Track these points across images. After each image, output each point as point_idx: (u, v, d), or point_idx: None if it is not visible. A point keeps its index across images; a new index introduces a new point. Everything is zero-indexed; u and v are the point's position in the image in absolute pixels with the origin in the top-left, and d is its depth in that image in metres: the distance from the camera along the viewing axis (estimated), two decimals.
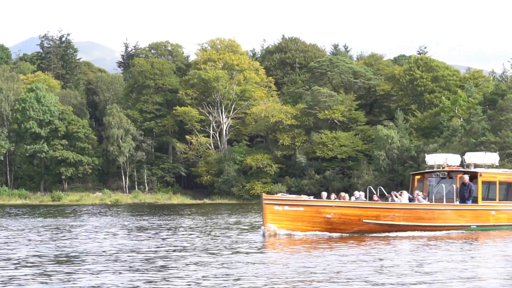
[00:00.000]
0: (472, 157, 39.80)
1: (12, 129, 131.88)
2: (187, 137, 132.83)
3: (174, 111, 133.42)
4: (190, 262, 22.65)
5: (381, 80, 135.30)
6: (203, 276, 19.13)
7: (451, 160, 39.59)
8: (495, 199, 38.63)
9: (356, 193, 37.28)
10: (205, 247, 28.24)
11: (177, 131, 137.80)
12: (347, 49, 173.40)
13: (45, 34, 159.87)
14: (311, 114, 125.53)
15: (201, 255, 24.80)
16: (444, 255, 25.31)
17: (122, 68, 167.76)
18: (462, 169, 38.68)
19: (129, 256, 24.68)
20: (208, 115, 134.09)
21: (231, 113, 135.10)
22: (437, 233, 35.04)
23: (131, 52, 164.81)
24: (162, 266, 21.49)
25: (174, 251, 26.68)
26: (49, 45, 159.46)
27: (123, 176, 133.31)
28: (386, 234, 33.99)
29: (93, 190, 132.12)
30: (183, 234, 36.00)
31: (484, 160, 39.64)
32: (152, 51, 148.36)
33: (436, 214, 36.13)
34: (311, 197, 35.42)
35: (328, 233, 33.34)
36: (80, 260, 23.31)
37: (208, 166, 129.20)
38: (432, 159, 40.20)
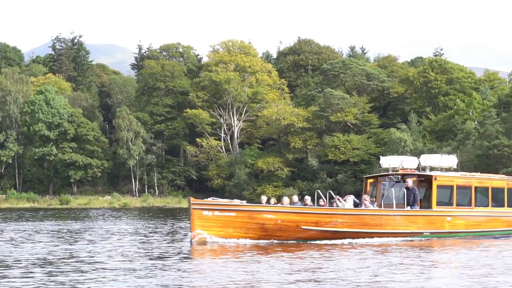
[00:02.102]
0: (427, 160, 37.41)
1: (21, 132, 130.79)
2: (198, 140, 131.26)
3: (184, 114, 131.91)
4: (104, 268, 21.84)
5: (395, 83, 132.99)
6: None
7: (407, 163, 37.15)
8: (452, 204, 36.24)
9: (294, 197, 34.53)
10: (126, 253, 27.18)
11: (188, 134, 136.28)
12: (364, 51, 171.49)
13: (57, 36, 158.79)
14: (323, 117, 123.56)
15: (118, 261, 23.92)
16: (383, 265, 23.28)
17: (136, 70, 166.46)
18: (417, 173, 36.31)
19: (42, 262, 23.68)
20: (219, 117, 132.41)
21: (242, 116, 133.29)
22: (385, 241, 32.70)
23: (144, 54, 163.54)
24: (80, 271, 20.73)
25: (92, 256, 25.74)
26: (61, 47, 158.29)
27: (133, 180, 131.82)
28: (328, 241, 31.64)
29: (103, 194, 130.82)
30: (120, 239, 34.64)
31: (440, 163, 37.27)
32: (163, 53, 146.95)
33: (384, 220, 33.65)
34: (244, 202, 32.83)
35: (263, 241, 31.09)
36: None
37: (219, 170, 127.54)
38: (387, 161, 37.80)
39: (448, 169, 37.53)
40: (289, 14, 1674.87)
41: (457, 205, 36.48)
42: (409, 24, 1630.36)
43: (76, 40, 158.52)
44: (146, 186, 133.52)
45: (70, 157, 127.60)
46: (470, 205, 37.15)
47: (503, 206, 38.64)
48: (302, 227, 31.79)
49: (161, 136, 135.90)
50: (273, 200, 34.64)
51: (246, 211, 31.31)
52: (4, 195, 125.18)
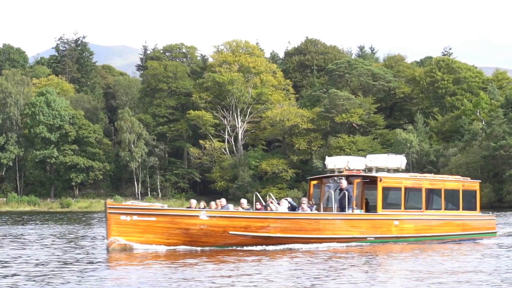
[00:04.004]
0: (373, 160, 34.68)
1: (22, 134, 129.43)
2: (201, 142, 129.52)
3: (187, 115, 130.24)
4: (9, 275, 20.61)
5: (401, 83, 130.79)
6: None
7: (353, 163, 34.40)
8: (399, 208, 33.83)
9: (223, 201, 32.08)
10: (43, 259, 25.68)
11: (191, 136, 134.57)
12: (374, 51, 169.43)
13: (61, 37, 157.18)
14: (328, 118, 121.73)
15: (27, 268, 22.65)
16: (312, 273, 21.41)
17: (141, 71, 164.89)
18: (362, 174, 33.77)
19: None
20: (223, 119, 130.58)
21: (247, 117, 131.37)
22: (323, 247, 30.28)
23: (150, 54, 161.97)
24: None
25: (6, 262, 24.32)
26: (64, 48, 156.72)
27: (135, 182, 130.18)
28: (259, 248, 29.23)
29: (105, 197, 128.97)
30: (48, 244, 32.92)
31: (386, 163, 34.61)
32: (167, 54, 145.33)
33: (322, 225, 31.19)
34: (165, 206, 30.39)
35: (187, 247, 28.86)
36: None
37: (222, 172, 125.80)
38: (332, 162, 35.10)
39: (396, 170, 34.96)
40: (299, 15, 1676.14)
41: (406, 208, 34.12)
42: (420, 23, 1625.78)
43: (79, 41, 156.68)
44: (149, 189, 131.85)
45: (71, 159, 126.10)
46: (420, 208, 34.72)
47: (457, 209, 36.28)
48: (230, 232, 29.43)
49: (164, 138, 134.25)
50: (202, 204, 32.44)
51: (168, 215, 29.01)
52: (4, 198, 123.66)
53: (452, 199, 36.14)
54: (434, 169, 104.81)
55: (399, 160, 35.06)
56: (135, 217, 28.32)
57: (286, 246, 29.87)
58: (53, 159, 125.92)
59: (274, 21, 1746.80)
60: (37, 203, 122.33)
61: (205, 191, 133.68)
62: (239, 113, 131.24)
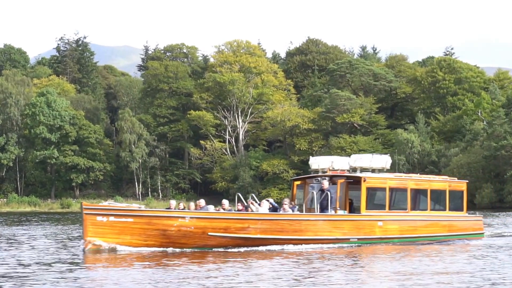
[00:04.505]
0: (357, 160, 34.11)
1: (22, 135, 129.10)
2: (202, 142, 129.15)
3: (188, 116, 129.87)
4: None
5: (403, 83, 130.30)
6: None
7: (338, 163, 33.94)
8: (384, 208, 33.27)
9: (202, 201, 31.71)
10: (22, 259, 25.57)
11: (192, 136, 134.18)
12: (376, 51, 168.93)
13: (62, 37, 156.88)
14: (329, 118, 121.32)
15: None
16: (292, 275, 20.95)
17: (142, 72, 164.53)
18: (346, 174, 33.22)
19: None
20: (223, 119, 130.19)
21: (247, 117, 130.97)
22: (305, 248, 29.73)
23: (150, 55, 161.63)
24: None
25: None
26: (65, 49, 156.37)
27: (136, 183, 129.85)
28: (240, 249, 28.83)
29: (106, 197, 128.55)
30: (34, 245, 32.63)
31: (371, 163, 33.99)
32: (167, 54, 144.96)
33: (303, 226, 30.61)
34: (142, 207, 29.96)
35: (165, 249, 28.40)
36: None
37: (223, 172, 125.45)
38: (316, 162, 34.50)
39: (381, 170, 34.35)
40: (301, 14, 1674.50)
41: (391, 208, 33.61)
42: (424, 23, 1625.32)
43: (80, 41, 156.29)
44: (149, 189, 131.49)
45: (71, 160, 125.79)
46: (406, 209, 34.15)
47: (444, 209, 35.68)
48: (210, 233, 28.94)
49: (164, 139, 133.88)
50: (182, 205, 32.02)
51: (145, 216, 28.61)
52: (5, 199, 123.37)
53: (438, 200, 35.57)
54: (435, 169, 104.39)
55: (384, 160, 34.50)
56: (111, 218, 27.90)
57: (267, 247, 29.38)
58: (54, 159, 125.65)
59: (277, 21, 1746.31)
60: (37, 203, 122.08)
61: (206, 191, 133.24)
62: (240, 113, 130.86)
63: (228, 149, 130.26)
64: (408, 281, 19.59)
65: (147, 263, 24.34)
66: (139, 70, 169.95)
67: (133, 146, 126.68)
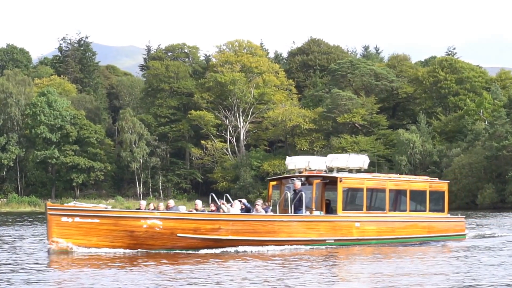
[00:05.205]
0: (333, 160, 33.71)
1: (23, 135, 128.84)
2: (203, 142, 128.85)
3: (189, 116, 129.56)
4: None
5: (404, 83, 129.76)
6: None
7: (314, 163, 33.56)
8: (361, 209, 32.84)
9: (171, 202, 31.51)
10: None
11: (193, 136, 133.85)
12: (378, 51, 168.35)
13: (64, 37, 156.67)
14: (330, 118, 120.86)
15: None
16: (263, 276, 20.54)
17: (144, 71, 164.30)
18: (322, 174, 32.81)
19: None
20: (224, 119, 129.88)
21: (249, 117, 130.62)
22: (278, 249, 29.28)
23: (152, 54, 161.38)
24: None
25: None
26: (67, 48, 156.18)
27: (137, 183, 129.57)
28: (210, 251, 28.30)
29: (107, 197, 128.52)
30: (17, 246, 32.22)
31: (348, 163, 33.61)
32: (169, 54, 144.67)
33: (277, 227, 30.10)
34: (109, 207, 29.50)
35: (132, 250, 27.88)
36: None
37: (224, 172, 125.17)
38: (292, 162, 34.17)
39: (358, 170, 34.04)
40: (304, 14, 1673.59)
41: (368, 209, 33.17)
42: (427, 22, 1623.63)
43: (82, 41, 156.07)
44: (150, 189, 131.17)
45: (72, 160, 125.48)
46: (384, 210, 33.76)
47: (424, 210, 35.26)
48: (178, 234, 28.43)
49: (165, 139, 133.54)
50: (152, 205, 31.62)
51: (112, 217, 28.08)
52: (5, 199, 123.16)
53: (418, 200, 35.16)
54: (437, 169, 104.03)
55: (361, 160, 34.13)
56: (77, 219, 27.46)
57: (239, 248, 28.92)
58: (54, 159, 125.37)
59: (279, 21, 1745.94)
60: (37, 203, 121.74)
61: (207, 191, 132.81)
62: (241, 113, 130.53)
63: (229, 149, 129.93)
64: (383, 283, 19.28)
65: (111, 264, 23.92)
66: (141, 70, 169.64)
67: (134, 146, 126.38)
